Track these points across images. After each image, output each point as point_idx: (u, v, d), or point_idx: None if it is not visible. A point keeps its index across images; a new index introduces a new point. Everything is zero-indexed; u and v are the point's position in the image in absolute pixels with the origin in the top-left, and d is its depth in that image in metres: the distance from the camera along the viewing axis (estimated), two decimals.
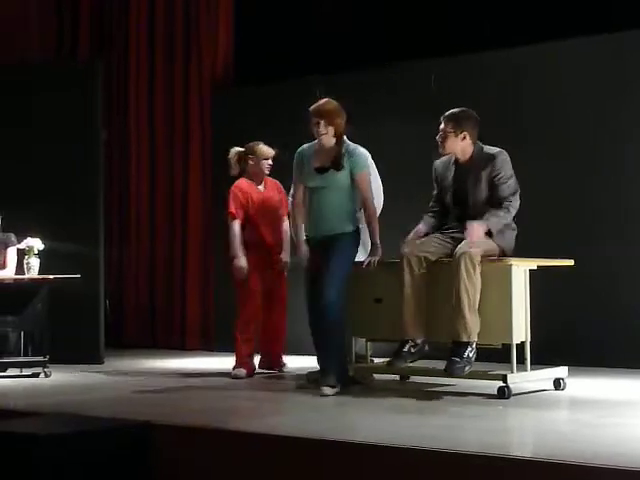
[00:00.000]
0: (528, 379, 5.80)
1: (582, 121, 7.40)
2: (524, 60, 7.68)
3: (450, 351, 5.59)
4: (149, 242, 9.67)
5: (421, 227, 6.06)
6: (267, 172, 7.12)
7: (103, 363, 7.77)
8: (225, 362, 7.57)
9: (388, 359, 5.92)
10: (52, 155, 8.02)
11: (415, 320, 5.77)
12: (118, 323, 9.44)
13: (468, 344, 5.54)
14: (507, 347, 5.72)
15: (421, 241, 5.93)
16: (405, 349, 5.77)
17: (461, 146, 5.91)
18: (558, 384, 5.92)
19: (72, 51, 10.11)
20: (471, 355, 5.54)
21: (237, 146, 7.26)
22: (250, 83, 9.16)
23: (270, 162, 7.10)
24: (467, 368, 5.54)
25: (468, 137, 5.88)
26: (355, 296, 6.11)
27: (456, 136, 5.87)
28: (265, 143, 7.10)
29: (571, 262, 6.06)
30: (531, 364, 5.84)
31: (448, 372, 5.58)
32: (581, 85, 7.45)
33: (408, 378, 6.38)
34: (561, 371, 5.95)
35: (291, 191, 6.51)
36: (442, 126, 5.92)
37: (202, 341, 9.18)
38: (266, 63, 9.04)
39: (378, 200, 6.42)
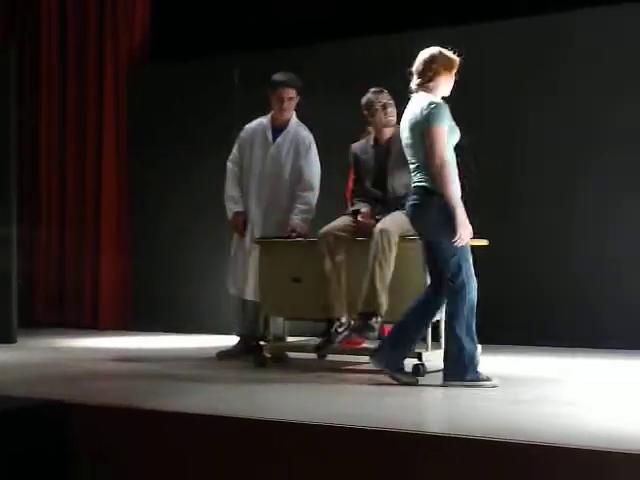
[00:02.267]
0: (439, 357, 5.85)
1: (497, 102, 7.51)
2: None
3: (358, 317, 5.66)
4: (59, 219, 9.51)
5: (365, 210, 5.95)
6: None
7: (16, 342, 7.66)
8: (140, 341, 7.57)
9: (318, 341, 5.94)
10: None
11: (338, 299, 5.82)
12: (30, 302, 9.29)
13: (375, 315, 5.60)
14: None
15: (338, 221, 5.95)
16: (332, 329, 5.82)
17: (385, 125, 5.94)
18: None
19: None
20: (376, 326, 5.62)
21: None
22: (167, 60, 9.08)
23: None
24: (372, 334, 5.63)
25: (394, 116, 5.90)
26: (273, 275, 6.12)
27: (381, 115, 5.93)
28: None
29: (485, 242, 6.09)
30: None
31: (357, 332, 5.67)
32: (497, 65, 7.55)
33: (325, 356, 6.40)
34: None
35: None
36: (383, 99, 5.91)
37: (117, 321, 9.10)
38: (184, 40, 8.94)
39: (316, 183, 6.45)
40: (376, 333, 5.68)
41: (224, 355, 6.49)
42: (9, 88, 7.85)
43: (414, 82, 5.22)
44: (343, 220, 5.96)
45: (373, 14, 8.02)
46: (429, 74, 5.15)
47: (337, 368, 6.05)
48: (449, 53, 5.20)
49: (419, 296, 5.35)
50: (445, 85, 5.22)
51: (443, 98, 5.20)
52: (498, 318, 6.83)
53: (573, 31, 7.29)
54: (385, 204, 5.88)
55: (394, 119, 5.90)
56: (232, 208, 6.48)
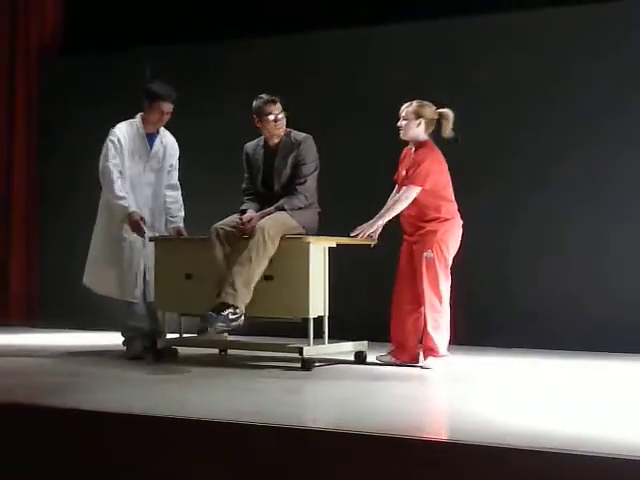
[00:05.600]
0: (325, 352, 5.97)
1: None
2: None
3: (212, 308, 5.70)
4: None
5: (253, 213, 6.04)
6: None
7: None
8: (49, 338, 7.45)
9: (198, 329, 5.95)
10: None
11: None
12: None
13: (231, 306, 5.68)
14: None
15: (228, 218, 6.07)
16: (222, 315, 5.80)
17: (274, 135, 6.10)
18: (359, 357, 6.12)
19: None
20: (232, 318, 5.67)
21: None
22: (79, 52, 8.97)
23: None
24: (221, 325, 5.66)
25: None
26: (165, 272, 6.22)
27: (285, 117, 6.07)
28: None
29: (374, 241, 6.09)
30: (370, 340, 6.16)
31: (202, 321, 5.68)
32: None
33: (226, 352, 6.52)
34: (361, 345, 6.13)
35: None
36: (278, 104, 6.04)
37: (26, 315, 8.95)
38: (97, 32, 8.85)
39: None
40: (232, 325, 5.69)
41: (132, 357, 6.38)
42: None
43: None
44: (232, 218, 6.07)
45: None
46: None
47: (239, 364, 6.09)
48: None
49: None
50: None
51: None
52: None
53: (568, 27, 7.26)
54: (272, 203, 6.01)
55: (283, 129, 6.08)
56: (130, 206, 6.28)
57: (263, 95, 6.11)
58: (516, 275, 7.27)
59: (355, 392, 5.07)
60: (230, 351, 6.60)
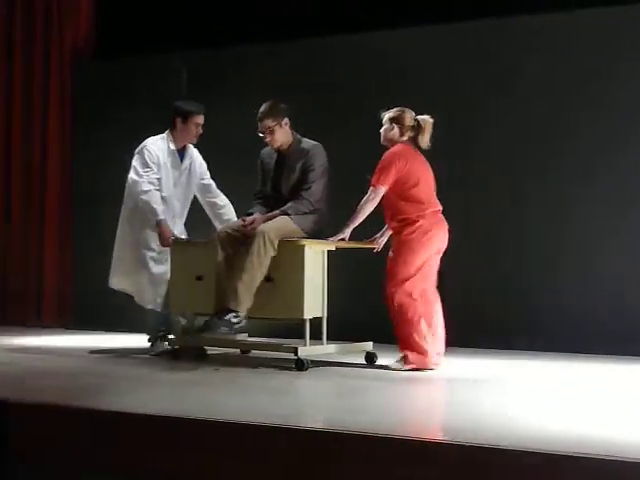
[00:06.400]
0: (322, 352, 6.11)
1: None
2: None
3: (217, 313, 5.96)
4: (3, 215, 9.40)
5: (256, 216, 6.24)
6: None
7: None
8: (81, 339, 7.50)
9: (198, 328, 6.21)
10: None
11: (224, 294, 6.03)
12: None
13: (233, 311, 5.91)
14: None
15: (235, 221, 6.40)
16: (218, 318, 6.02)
17: (285, 136, 6.29)
18: (370, 358, 6.22)
19: None
20: (234, 321, 5.91)
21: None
22: (114, 56, 9.03)
23: None
24: (224, 330, 5.92)
25: (288, 126, 6.29)
26: (177, 274, 6.44)
27: (281, 127, 6.26)
28: None
29: (374, 245, 6.27)
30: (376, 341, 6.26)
31: (204, 327, 5.99)
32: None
33: (249, 352, 6.72)
34: (366, 345, 6.26)
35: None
36: (264, 122, 6.24)
37: (60, 317, 9.02)
38: (130, 36, 8.90)
39: None
40: (236, 328, 5.96)
41: (155, 355, 6.63)
42: None
43: None
44: (237, 221, 6.35)
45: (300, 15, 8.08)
46: None
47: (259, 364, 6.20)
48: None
49: None
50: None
51: None
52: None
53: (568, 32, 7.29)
54: (280, 207, 6.21)
55: (275, 142, 6.28)
56: (160, 215, 6.53)
57: (263, 105, 6.29)
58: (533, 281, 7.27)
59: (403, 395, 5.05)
60: (252, 352, 6.74)
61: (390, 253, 6.01)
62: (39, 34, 9.33)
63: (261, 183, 6.47)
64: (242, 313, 5.94)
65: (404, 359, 5.93)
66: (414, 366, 5.88)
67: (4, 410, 4.44)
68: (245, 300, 5.94)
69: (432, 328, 5.92)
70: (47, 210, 9.24)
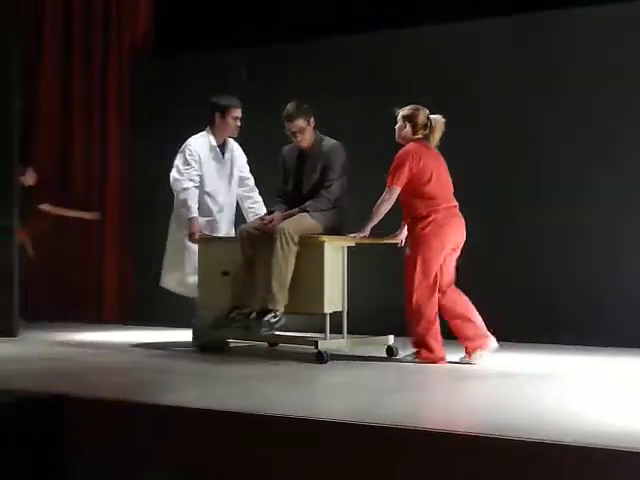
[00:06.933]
0: (342, 345, 6.24)
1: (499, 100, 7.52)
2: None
3: (256, 315, 6.16)
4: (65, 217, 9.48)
5: (276, 214, 6.39)
6: None
7: (17, 336, 7.64)
8: (142, 336, 7.55)
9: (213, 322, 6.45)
10: None
11: (241, 290, 6.31)
12: (33, 295, 9.26)
13: (271, 311, 6.08)
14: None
15: (254, 219, 6.66)
16: (232, 315, 6.30)
17: (312, 135, 6.43)
18: (391, 352, 6.32)
19: None
20: (273, 321, 6.09)
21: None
22: (172, 53, 9.07)
23: None
24: (265, 330, 6.09)
25: (312, 126, 6.40)
26: (204, 269, 6.63)
27: (309, 125, 6.38)
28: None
29: (396, 241, 6.36)
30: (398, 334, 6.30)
31: (249, 331, 6.20)
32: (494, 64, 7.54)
33: (276, 345, 6.87)
34: (387, 339, 6.35)
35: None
36: (295, 122, 6.33)
37: (120, 314, 9.09)
38: (188, 34, 8.94)
39: None
40: (276, 327, 6.12)
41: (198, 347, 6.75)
42: (10, 76, 7.81)
43: None
44: (258, 220, 6.53)
45: (378, 9, 8.02)
46: None
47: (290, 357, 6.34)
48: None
49: None
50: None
51: None
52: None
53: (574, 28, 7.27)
54: (299, 206, 6.34)
55: (305, 141, 6.40)
56: (192, 213, 6.76)
57: (289, 106, 6.39)
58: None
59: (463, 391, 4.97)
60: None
61: (407, 251, 6.11)
62: (97, 33, 9.41)
63: (283, 182, 6.58)
64: (280, 312, 6.12)
65: (417, 354, 6.06)
66: (426, 360, 5.99)
67: (62, 405, 4.47)
68: (280, 298, 6.11)
69: (458, 320, 6.03)
70: (107, 209, 9.31)
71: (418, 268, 5.97)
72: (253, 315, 6.22)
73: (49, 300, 9.33)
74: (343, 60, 8.15)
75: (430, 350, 6.00)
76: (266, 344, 6.90)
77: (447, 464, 3.60)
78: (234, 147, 7.04)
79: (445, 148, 6.23)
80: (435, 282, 5.99)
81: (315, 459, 3.87)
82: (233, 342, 6.79)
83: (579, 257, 7.18)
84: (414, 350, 6.08)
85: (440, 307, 6.04)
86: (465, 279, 6.25)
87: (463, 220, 6.10)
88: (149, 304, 8.70)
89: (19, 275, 7.82)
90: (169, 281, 7.05)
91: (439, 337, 6.03)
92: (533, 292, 7.24)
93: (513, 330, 6.88)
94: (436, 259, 5.99)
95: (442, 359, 6.01)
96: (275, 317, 6.10)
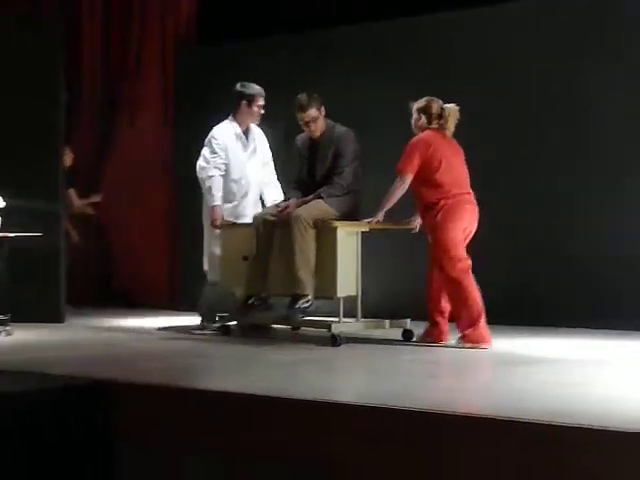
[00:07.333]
0: (355, 329, 6.36)
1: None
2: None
3: (288, 302, 6.26)
4: (109, 203, 9.56)
5: (291, 201, 6.49)
6: None
7: (64, 322, 7.71)
8: (188, 321, 7.58)
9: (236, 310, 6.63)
10: (11, 113, 7.83)
11: (257, 276, 6.45)
12: (79, 280, 9.34)
13: (302, 296, 6.20)
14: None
15: (270, 206, 6.79)
16: (250, 302, 6.47)
17: (323, 124, 6.55)
18: (408, 335, 6.37)
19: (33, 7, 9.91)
20: (305, 306, 6.20)
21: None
22: (214, 39, 9.08)
23: None
24: (300, 316, 6.23)
25: (323, 115, 6.52)
26: (225, 254, 6.79)
27: (321, 114, 6.49)
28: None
29: (412, 227, 6.44)
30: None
31: (286, 318, 6.30)
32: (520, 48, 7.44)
33: (299, 328, 6.91)
34: (403, 322, 6.40)
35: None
36: (308, 112, 6.43)
37: (167, 300, 9.14)
38: (231, 21, 8.93)
39: None
40: (307, 311, 6.23)
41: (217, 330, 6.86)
42: (57, 62, 7.88)
43: None
44: (273, 207, 6.66)
45: None
46: None
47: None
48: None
49: None
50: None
51: None
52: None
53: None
54: (314, 192, 6.44)
55: (318, 131, 6.52)
56: (215, 201, 6.92)
57: (299, 96, 6.49)
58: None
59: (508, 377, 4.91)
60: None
61: (429, 238, 6.20)
62: (137, 20, 9.46)
63: (298, 169, 6.68)
64: (310, 296, 6.22)
65: (464, 338, 6.03)
66: (474, 344, 5.97)
67: (109, 390, 4.49)
68: (308, 283, 6.22)
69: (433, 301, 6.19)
70: (152, 197, 9.36)
71: (442, 251, 6.05)
72: (270, 300, 6.44)
73: (94, 286, 9.42)
74: (358, 48, 8.20)
75: (478, 330, 5.97)
76: (289, 327, 6.94)
77: (507, 453, 3.56)
78: (257, 132, 7.20)
79: (461, 135, 6.30)
80: (465, 257, 6.06)
81: (362, 445, 3.85)
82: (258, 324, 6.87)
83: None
84: (460, 335, 6.06)
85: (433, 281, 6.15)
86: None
87: (477, 207, 6.17)
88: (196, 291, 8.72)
89: (65, 261, 7.90)
90: (204, 263, 7.20)
91: (483, 319, 6.01)
92: (591, 276, 7.19)
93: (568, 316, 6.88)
94: (457, 234, 6.07)
95: (488, 342, 5.98)
96: (307, 302, 6.21)
